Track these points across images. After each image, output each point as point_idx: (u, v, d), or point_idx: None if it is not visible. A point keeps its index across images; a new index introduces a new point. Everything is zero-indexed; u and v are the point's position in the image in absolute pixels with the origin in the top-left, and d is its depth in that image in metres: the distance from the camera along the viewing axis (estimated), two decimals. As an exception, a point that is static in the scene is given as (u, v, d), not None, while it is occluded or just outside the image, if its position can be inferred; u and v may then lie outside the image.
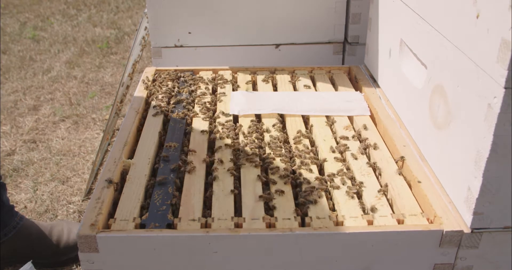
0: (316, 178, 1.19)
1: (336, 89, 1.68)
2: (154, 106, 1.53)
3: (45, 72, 3.23)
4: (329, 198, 1.16)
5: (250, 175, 1.21)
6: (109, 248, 1.02)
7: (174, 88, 1.66)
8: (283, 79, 1.73)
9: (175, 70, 1.78)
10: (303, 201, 1.12)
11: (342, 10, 1.89)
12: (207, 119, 1.47)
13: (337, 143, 1.36)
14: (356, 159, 1.28)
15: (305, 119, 1.49)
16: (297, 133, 1.39)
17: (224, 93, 1.62)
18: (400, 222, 1.06)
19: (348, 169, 1.25)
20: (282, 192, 1.14)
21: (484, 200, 0.99)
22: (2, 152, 2.32)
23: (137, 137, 1.40)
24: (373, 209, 1.10)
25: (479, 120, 0.97)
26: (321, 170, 1.26)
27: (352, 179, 1.21)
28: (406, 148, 1.29)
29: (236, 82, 1.71)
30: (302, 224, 1.06)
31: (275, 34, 1.93)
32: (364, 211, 1.10)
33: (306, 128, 1.44)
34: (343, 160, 1.28)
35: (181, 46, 1.93)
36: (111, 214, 1.10)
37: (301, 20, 1.90)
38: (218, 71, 1.78)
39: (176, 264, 1.04)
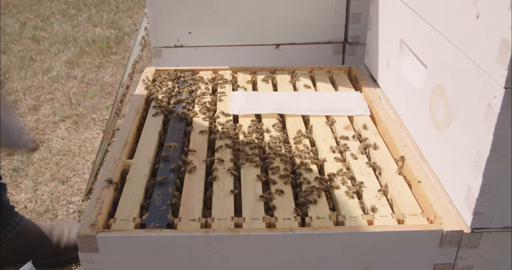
0: (316, 178, 1.19)
1: (336, 89, 1.68)
2: (154, 106, 1.53)
3: (45, 72, 3.23)
4: (329, 198, 1.15)
5: (250, 175, 1.21)
6: (109, 248, 1.02)
7: (174, 88, 1.66)
8: (283, 79, 1.73)
9: (175, 70, 1.78)
10: (303, 201, 1.12)
11: (342, 10, 1.89)
12: (207, 119, 1.47)
13: (337, 143, 1.36)
14: (356, 159, 1.28)
15: (305, 119, 1.49)
16: (297, 133, 1.39)
17: (224, 93, 1.62)
18: (400, 222, 1.06)
19: (348, 169, 1.25)
20: (282, 192, 1.14)
21: (484, 200, 0.99)
22: (2, 152, 2.32)
23: (137, 137, 1.40)
24: (373, 209, 1.10)
25: (479, 120, 0.97)
26: (321, 170, 1.26)
27: (352, 179, 1.21)
28: (406, 148, 1.29)
29: (236, 82, 1.71)
30: (302, 224, 1.06)
31: (275, 34, 1.93)
32: (364, 211, 1.10)
33: (306, 128, 1.44)
34: (343, 160, 1.28)
35: (181, 46, 1.93)
36: (111, 214, 1.10)
37: (301, 20, 1.90)
38: (218, 71, 1.78)
39: (176, 264, 1.04)
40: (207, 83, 1.69)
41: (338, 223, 1.06)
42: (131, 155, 1.31)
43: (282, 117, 1.49)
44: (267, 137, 1.37)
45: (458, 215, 1.05)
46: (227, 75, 1.75)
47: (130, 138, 1.36)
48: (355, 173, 1.23)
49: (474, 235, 1.03)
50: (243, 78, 1.73)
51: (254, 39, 1.93)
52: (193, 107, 1.54)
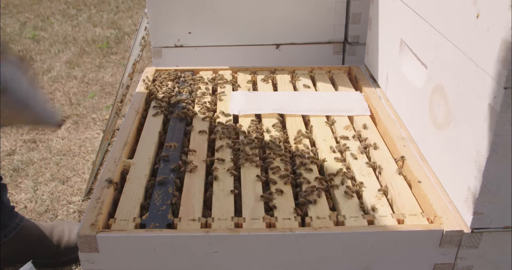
0: (316, 178, 1.19)
1: (336, 89, 1.68)
2: (154, 106, 1.53)
3: (45, 72, 3.23)
4: (329, 198, 1.15)
5: (250, 175, 1.21)
6: (109, 248, 1.02)
7: (174, 88, 1.66)
8: (283, 79, 1.73)
9: (175, 70, 1.78)
10: (303, 201, 1.12)
11: (342, 10, 1.89)
12: (207, 119, 1.47)
13: (337, 143, 1.36)
14: (356, 159, 1.28)
15: (305, 119, 1.49)
16: (297, 133, 1.39)
17: (224, 93, 1.62)
18: (400, 222, 1.06)
19: (348, 169, 1.25)
20: (281, 191, 1.14)
21: (484, 200, 0.99)
22: (2, 152, 2.32)
23: (137, 137, 1.40)
24: (373, 209, 1.10)
25: (479, 120, 0.97)
26: (321, 170, 1.26)
27: (352, 179, 1.21)
28: (406, 148, 1.29)
29: (236, 82, 1.71)
30: (302, 224, 1.06)
31: (275, 34, 1.93)
32: (364, 211, 1.10)
33: (306, 128, 1.44)
34: (343, 160, 1.28)
35: (181, 46, 1.93)
36: (111, 214, 1.10)
37: (301, 20, 1.90)
38: (218, 71, 1.78)
39: (176, 264, 1.04)
40: (207, 83, 1.69)
41: (338, 223, 1.06)
42: (131, 155, 1.31)
43: (282, 117, 1.49)
44: (267, 137, 1.37)
45: (458, 215, 1.05)
46: (227, 75, 1.75)
47: (130, 138, 1.36)
48: (355, 173, 1.23)
49: (474, 235, 1.03)
50: (243, 78, 1.73)
51: (254, 39, 1.93)
52: (193, 107, 1.54)
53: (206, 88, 1.65)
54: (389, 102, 1.53)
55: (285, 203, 1.11)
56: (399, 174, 1.21)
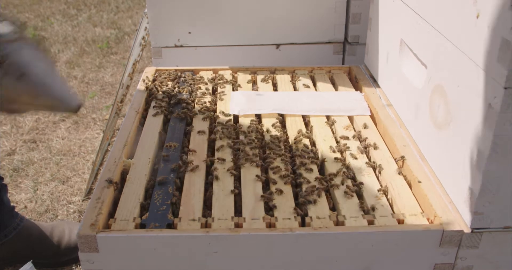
0: (316, 178, 1.19)
1: (336, 89, 1.68)
2: (154, 106, 1.53)
3: (45, 72, 3.22)
4: (329, 197, 1.15)
5: (250, 175, 1.21)
6: (109, 248, 1.02)
7: (174, 88, 1.66)
8: (283, 79, 1.73)
9: (175, 70, 1.78)
10: (303, 201, 1.12)
11: (342, 10, 1.89)
12: (207, 119, 1.47)
13: (337, 143, 1.36)
14: (356, 159, 1.28)
15: (305, 119, 1.49)
16: (297, 133, 1.39)
17: (224, 93, 1.62)
18: (400, 222, 1.06)
19: (348, 168, 1.25)
20: (281, 191, 1.14)
21: (484, 200, 0.99)
22: (2, 152, 2.32)
23: (137, 137, 1.40)
24: (373, 209, 1.10)
25: (479, 120, 0.97)
26: (321, 170, 1.26)
27: (352, 179, 1.21)
28: (406, 148, 1.29)
29: (237, 82, 1.71)
30: (302, 224, 1.06)
31: (275, 34, 1.93)
32: (364, 211, 1.10)
33: (306, 128, 1.44)
34: (343, 160, 1.28)
35: (181, 46, 1.93)
36: (111, 214, 1.10)
37: (301, 20, 1.90)
38: (218, 71, 1.78)
39: (176, 264, 1.04)
40: (207, 83, 1.69)
41: (338, 223, 1.06)
42: (131, 155, 1.31)
43: (282, 117, 1.49)
44: (267, 137, 1.37)
45: (458, 215, 1.05)
46: (227, 75, 1.75)
47: (130, 138, 1.36)
48: (355, 173, 1.23)
49: (474, 235, 1.03)
50: (243, 78, 1.73)
51: (254, 39, 1.93)
52: (193, 107, 1.54)
53: (206, 88, 1.65)
54: (389, 102, 1.53)
55: (285, 203, 1.11)
56: (399, 174, 1.21)
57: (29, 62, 1.03)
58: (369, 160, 1.28)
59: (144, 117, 1.50)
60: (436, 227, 1.02)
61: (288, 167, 1.24)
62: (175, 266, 1.04)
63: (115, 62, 3.41)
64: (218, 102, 1.57)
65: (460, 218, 1.05)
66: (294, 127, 1.43)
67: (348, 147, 1.32)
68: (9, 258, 1.65)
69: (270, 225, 1.05)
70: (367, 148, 1.33)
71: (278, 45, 1.95)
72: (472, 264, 1.06)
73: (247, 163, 1.25)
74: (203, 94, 1.61)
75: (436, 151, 1.19)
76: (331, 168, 1.24)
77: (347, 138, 1.36)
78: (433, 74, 1.20)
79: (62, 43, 3.74)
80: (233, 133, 1.39)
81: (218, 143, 1.34)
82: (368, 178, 1.20)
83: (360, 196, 1.15)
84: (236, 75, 1.77)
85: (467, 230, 1.02)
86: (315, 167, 1.25)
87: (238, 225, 1.05)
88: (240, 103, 1.53)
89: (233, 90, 1.67)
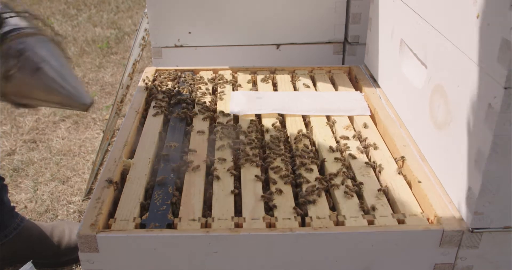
0: (316, 178, 1.19)
1: (336, 89, 1.68)
2: (154, 106, 1.53)
3: (45, 72, 3.23)
4: (329, 197, 1.15)
5: (250, 175, 1.21)
6: (109, 248, 1.02)
7: (174, 88, 1.66)
8: (283, 79, 1.73)
9: (175, 70, 1.78)
10: (303, 201, 1.12)
11: (342, 10, 1.89)
12: (207, 119, 1.47)
13: (337, 143, 1.36)
14: (356, 158, 1.28)
15: (305, 119, 1.49)
16: (298, 133, 1.39)
17: (224, 92, 1.62)
18: (400, 222, 1.06)
19: (348, 168, 1.25)
20: (281, 191, 1.14)
21: (484, 200, 0.99)
22: (2, 152, 2.32)
23: (137, 137, 1.40)
24: (373, 209, 1.10)
25: (479, 120, 0.97)
26: (321, 170, 1.26)
27: (352, 179, 1.21)
28: (406, 148, 1.29)
29: (237, 82, 1.71)
30: (302, 224, 1.06)
31: (275, 34, 1.93)
32: (364, 211, 1.10)
33: (306, 128, 1.44)
34: (343, 160, 1.28)
35: (181, 46, 1.93)
36: (111, 214, 1.10)
37: (301, 20, 1.90)
38: (218, 71, 1.78)
39: (176, 264, 1.04)
40: (207, 83, 1.69)
41: (338, 223, 1.06)
42: (131, 155, 1.31)
43: (282, 117, 1.49)
44: (267, 137, 1.37)
45: (458, 215, 1.05)
46: (227, 75, 1.75)
47: (130, 138, 1.36)
48: (355, 173, 1.23)
49: (474, 235, 1.03)
50: (243, 78, 1.73)
51: (254, 39, 1.93)
52: (193, 107, 1.54)
53: (206, 88, 1.65)
54: (389, 102, 1.53)
55: (285, 203, 1.11)
56: (399, 174, 1.21)
57: (45, 57, 1.02)
58: (369, 160, 1.28)
59: (144, 117, 1.50)
60: (436, 227, 1.02)
61: (288, 167, 1.24)
62: (175, 266, 1.04)
63: (115, 62, 3.41)
64: (218, 102, 1.57)
65: (460, 218, 1.05)
66: (294, 127, 1.43)
67: (348, 147, 1.32)
68: (9, 258, 1.65)
69: (270, 225, 1.05)
70: (367, 148, 1.33)
71: (278, 45, 1.95)
72: (472, 264, 1.06)
73: (247, 163, 1.25)
74: (203, 94, 1.61)
75: (436, 151, 1.19)
76: (331, 168, 1.24)
77: (347, 138, 1.36)
78: (433, 74, 1.20)
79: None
80: (233, 133, 1.39)
81: (218, 143, 1.34)
82: (368, 178, 1.20)
83: (360, 196, 1.15)
84: (236, 75, 1.77)
85: (467, 230, 1.02)
86: (315, 167, 1.25)
87: (238, 225, 1.05)
88: (240, 103, 1.53)
89: (233, 90, 1.67)
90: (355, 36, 1.90)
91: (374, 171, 1.24)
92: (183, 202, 1.12)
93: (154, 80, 1.72)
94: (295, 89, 1.69)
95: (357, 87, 1.67)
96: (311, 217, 1.07)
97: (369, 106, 1.52)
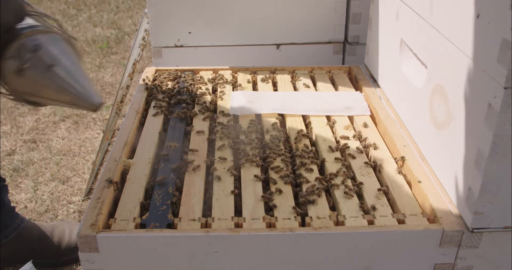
0: (316, 178, 1.19)
1: (336, 89, 1.68)
2: (154, 106, 1.53)
3: (45, 72, 3.23)
4: (329, 197, 1.15)
5: (250, 175, 1.21)
6: (109, 248, 1.02)
7: (174, 88, 1.66)
8: (283, 79, 1.73)
9: (175, 70, 1.78)
10: (303, 201, 1.12)
11: (342, 10, 1.89)
12: (207, 119, 1.47)
13: (337, 143, 1.36)
14: (356, 158, 1.28)
15: (306, 119, 1.49)
16: (298, 133, 1.39)
17: (224, 93, 1.62)
18: (400, 222, 1.06)
19: (348, 168, 1.25)
20: (281, 191, 1.14)
21: (484, 200, 0.99)
22: (2, 152, 2.32)
23: (137, 137, 1.40)
24: (373, 209, 1.10)
25: (479, 120, 0.97)
26: (321, 170, 1.26)
27: (352, 178, 1.21)
28: (406, 148, 1.29)
29: (237, 82, 1.71)
30: (302, 224, 1.06)
31: (275, 34, 1.93)
32: (364, 211, 1.10)
33: (307, 128, 1.44)
34: (343, 160, 1.28)
35: (181, 46, 1.93)
36: (111, 214, 1.10)
37: (301, 20, 1.90)
38: (218, 71, 1.78)
39: (176, 264, 1.04)
40: (207, 83, 1.69)
41: (338, 223, 1.06)
42: (131, 155, 1.31)
43: (282, 117, 1.49)
44: (267, 137, 1.37)
45: (458, 215, 1.05)
46: (227, 75, 1.75)
47: (130, 138, 1.36)
48: (355, 172, 1.23)
49: (474, 235, 1.03)
50: (243, 78, 1.73)
51: (254, 39, 1.93)
52: (193, 107, 1.54)
53: (206, 88, 1.65)
54: (389, 102, 1.53)
55: (285, 203, 1.11)
56: (399, 174, 1.21)
57: (58, 56, 1.02)
58: (369, 160, 1.28)
59: (144, 117, 1.50)
60: (436, 227, 1.02)
61: (288, 167, 1.24)
62: (175, 266, 1.04)
63: (115, 62, 3.41)
64: (218, 102, 1.57)
65: (460, 218, 1.05)
66: (294, 127, 1.43)
67: (348, 147, 1.32)
68: (9, 258, 1.65)
69: (270, 225, 1.05)
70: (367, 148, 1.33)
71: (278, 45, 1.95)
72: (472, 264, 1.07)
73: (247, 163, 1.25)
74: (203, 94, 1.61)
75: (436, 151, 1.19)
76: (331, 168, 1.24)
77: (347, 138, 1.36)
78: (433, 74, 1.20)
79: (62, 43, 3.74)
80: (233, 133, 1.39)
81: (218, 143, 1.34)
82: (368, 178, 1.20)
83: (360, 196, 1.15)
84: (236, 75, 1.77)
85: (467, 230, 1.02)
86: (315, 167, 1.25)
87: (238, 225, 1.05)
88: (240, 103, 1.53)
89: (233, 90, 1.67)
90: (355, 36, 1.90)
91: (374, 171, 1.24)
92: (183, 202, 1.12)
93: (154, 80, 1.72)
94: (295, 89, 1.69)
95: (357, 87, 1.67)
96: (311, 217, 1.07)
97: (369, 106, 1.52)
